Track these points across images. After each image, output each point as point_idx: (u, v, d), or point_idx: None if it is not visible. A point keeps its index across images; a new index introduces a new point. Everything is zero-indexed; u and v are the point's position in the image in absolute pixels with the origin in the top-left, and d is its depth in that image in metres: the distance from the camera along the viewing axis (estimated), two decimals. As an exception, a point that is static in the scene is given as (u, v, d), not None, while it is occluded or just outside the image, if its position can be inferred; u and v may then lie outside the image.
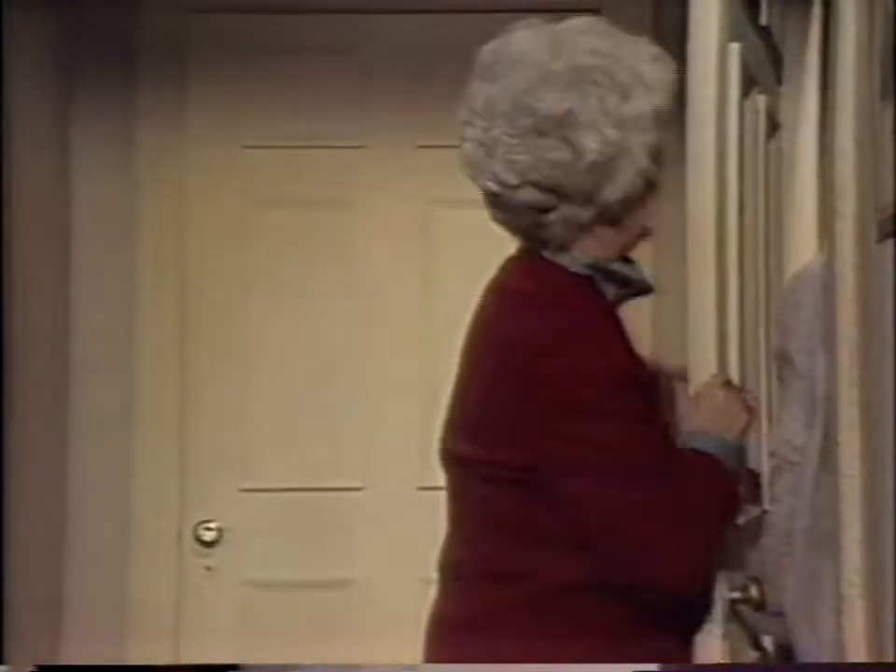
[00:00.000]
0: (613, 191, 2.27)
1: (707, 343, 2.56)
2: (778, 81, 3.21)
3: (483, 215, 2.38)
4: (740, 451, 2.43)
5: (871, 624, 2.39)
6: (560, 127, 2.23)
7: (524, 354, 2.23)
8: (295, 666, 2.84)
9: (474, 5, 3.87)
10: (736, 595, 2.53)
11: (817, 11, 3.42)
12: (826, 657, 2.77)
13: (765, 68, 3.03)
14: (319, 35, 3.96)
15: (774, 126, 3.14)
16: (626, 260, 2.39)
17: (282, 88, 3.86)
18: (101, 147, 4.00)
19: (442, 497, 2.40)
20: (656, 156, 2.28)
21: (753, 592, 2.58)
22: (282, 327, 3.97)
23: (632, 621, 2.30)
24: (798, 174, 3.47)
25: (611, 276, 2.34)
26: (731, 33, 2.65)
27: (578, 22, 2.33)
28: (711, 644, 2.47)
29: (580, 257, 2.31)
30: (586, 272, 2.32)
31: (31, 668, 3.03)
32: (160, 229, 4.03)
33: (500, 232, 2.44)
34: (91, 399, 4.03)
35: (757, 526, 2.95)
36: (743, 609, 2.57)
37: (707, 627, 2.45)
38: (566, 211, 2.28)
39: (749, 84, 2.81)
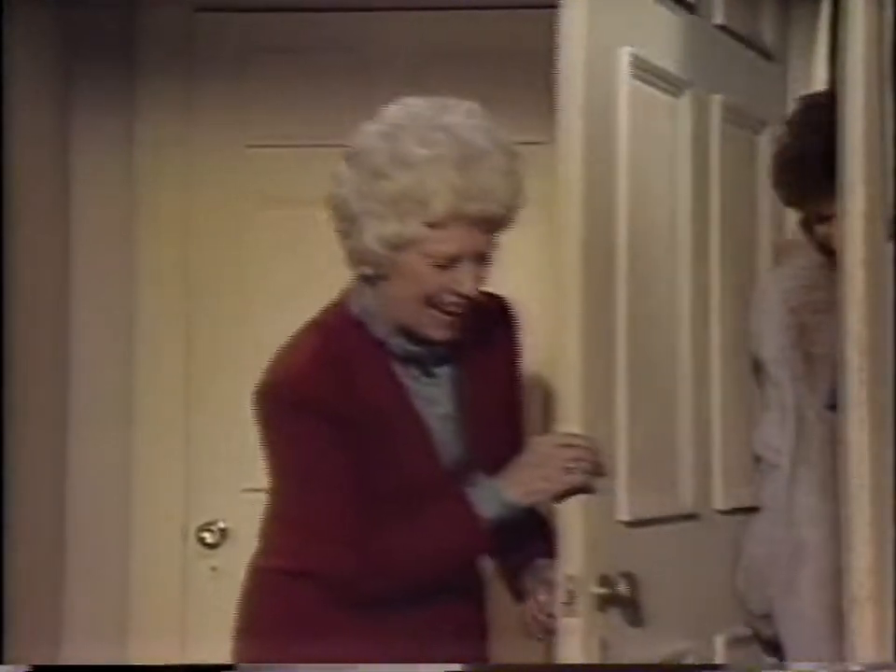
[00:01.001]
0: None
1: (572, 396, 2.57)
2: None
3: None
4: (512, 508, 2.53)
5: (879, 625, 2.41)
6: None
7: None
8: (295, 667, 2.80)
9: (474, 2, 3.86)
10: (603, 591, 2.56)
11: (825, 10, 3.47)
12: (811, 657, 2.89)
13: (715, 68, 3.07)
14: (322, 33, 3.93)
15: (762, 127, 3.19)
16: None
17: (285, 86, 3.82)
18: (101, 144, 3.98)
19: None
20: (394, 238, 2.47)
21: (622, 588, 2.59)
22: (285, 326, 3.95)
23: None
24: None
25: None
26: (624, 36, 2.70)
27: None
28: (572, 639, 2.52)
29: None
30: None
31: (26, 668, 2.95)
32: (161, 227, 4.00)
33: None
34: (92, 399, 4.01)
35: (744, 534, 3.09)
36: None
37: (569, 622, 2.50)
38: None
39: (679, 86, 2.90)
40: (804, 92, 3.11)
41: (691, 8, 2.95)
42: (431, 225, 2.44)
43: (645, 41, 2.77)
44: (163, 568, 3.98)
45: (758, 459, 3.11)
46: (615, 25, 2.67)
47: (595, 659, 2.53)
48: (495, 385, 2.65)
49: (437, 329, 2.54)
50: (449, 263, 2.47)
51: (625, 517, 2.67)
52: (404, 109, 2.52)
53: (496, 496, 2.53)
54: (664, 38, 2.86)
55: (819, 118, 2.89)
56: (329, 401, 2.51)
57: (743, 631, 3.08)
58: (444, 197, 2.42)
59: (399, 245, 2.46)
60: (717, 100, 3.05)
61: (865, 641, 2.42)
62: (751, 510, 3.09)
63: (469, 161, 2.43)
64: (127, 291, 4.00)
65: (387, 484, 2.55)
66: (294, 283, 3.89)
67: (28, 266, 3.72)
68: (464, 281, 2.48)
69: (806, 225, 3.05)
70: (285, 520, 2.62)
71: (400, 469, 2.56)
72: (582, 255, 2.54)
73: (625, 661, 2.64)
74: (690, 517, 2.92)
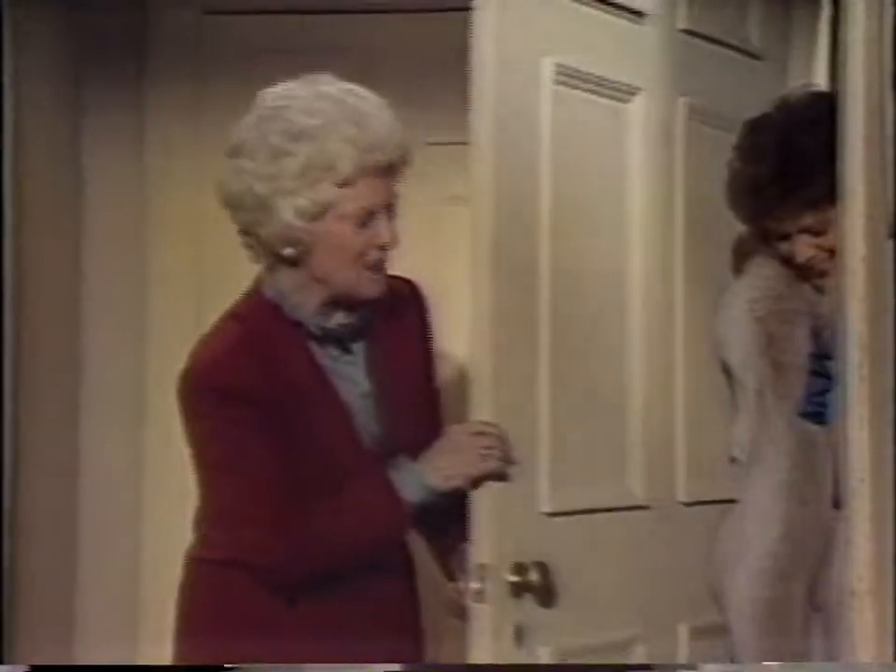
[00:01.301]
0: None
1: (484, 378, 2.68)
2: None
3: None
4: (433, 493, 2.62)
5: (879, 619, 2.43)
6: None
7: None
8: (298, 667, 2.82)
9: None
10: (514, 578, 2.65)
11: (825, 11, 3.50)
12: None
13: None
14: (326, 34, 3.95)
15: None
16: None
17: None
18: (112, 146, 4.01)
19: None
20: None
21: (533, 576, 2.67)
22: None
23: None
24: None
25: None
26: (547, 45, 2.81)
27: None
28: (483, 624, 2.62)
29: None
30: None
31: (25, 668, 2.97)
32: (172, 228, 4.03)
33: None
34: (103, 400, 4.03)
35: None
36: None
37: (480, 608, 2.60)
38: None
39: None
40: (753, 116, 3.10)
41: (641, 16, 3.03)
42: (341, 185, 2.57)
43: (573, 50, 2.87)
44: (176, 568, 4.00)
45: (732, 458, 3.17)
46: (535, 34, 2.79)
47: (507, 645, 2.63)
48: (409, 365, 2.74)
49: (370, 286, 2.64)
50: (366, 219, 2.60)
51: (547, 508, 2.75)
52: (277, 93, 2.65)
53: (417, 480, 2.62)
54: (603, 47, 2.95)
55: (766, 140, 2.96)
56: (249, 387, 2.58)
57: (715, 620, 3.12)
58: (348, 155, 2.56)
59: (316, 214, 2.57)
60: (683, 102, 3.13)
61: (865, 634, 2.43)
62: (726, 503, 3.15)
63: (359, 119, 2.58)
64: (138, 292, 4.03)
65: (310, 466, 2.61)
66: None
67: (39, 266, 3.75)
68: (382, 233, 2.62)
69: (766, 241, 3.08)
70: (212, 509, 2.67)
71: (323, 450, 2.62)
72: (494, 249, 2.69)
73: (549, 647, 2.72)
74: (641, 508, 2.98)
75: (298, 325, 2.67)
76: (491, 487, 2.63)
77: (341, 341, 2.69)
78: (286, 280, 2.67)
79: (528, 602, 2.66)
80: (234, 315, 2.72)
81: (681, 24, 3.15)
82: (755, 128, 3.01)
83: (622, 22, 2.99)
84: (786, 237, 2.98)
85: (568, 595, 2.74)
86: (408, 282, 2.80)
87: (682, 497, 3.09)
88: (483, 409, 2.64)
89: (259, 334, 2.65)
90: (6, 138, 3.57)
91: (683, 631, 3.09)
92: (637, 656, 2.93)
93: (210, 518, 2.69)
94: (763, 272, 3.09)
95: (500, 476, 2.62)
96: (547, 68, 2.81)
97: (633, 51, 3.02)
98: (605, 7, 2.94)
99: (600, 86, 2.93)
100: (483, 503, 2.63)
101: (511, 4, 2.73)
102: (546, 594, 2.69)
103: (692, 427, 3.11)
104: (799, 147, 2.92)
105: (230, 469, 2.60)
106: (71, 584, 4.03)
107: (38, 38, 3.76)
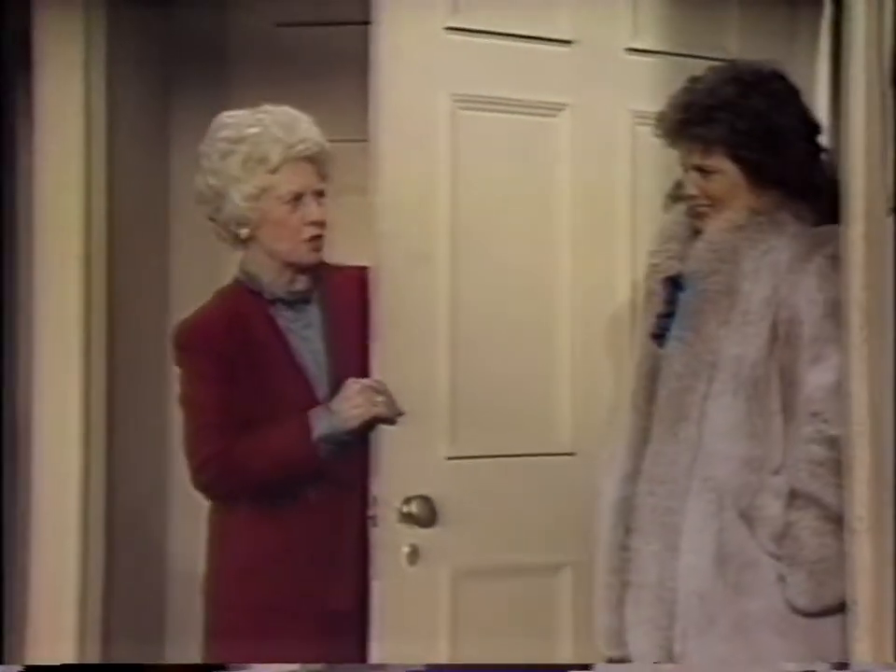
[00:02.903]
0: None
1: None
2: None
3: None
4: (339, 433, 3.17)
5: (877, 555, 2.57)
6: None
7: None
8: (299, 666, 3.09)
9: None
10: (404, 508, 3.22)
11: (827, 11, 3.66)
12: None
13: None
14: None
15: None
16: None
17: (351, 89, 3.76)
18: (197, 143, 3.98)
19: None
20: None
21: (413, 508, 3.21)
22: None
23: None
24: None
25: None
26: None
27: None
28: (380, 544, 3.22)
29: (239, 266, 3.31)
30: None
31: (19, 668, 3.13)
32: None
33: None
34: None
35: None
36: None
37: (376, 531, 3.21)
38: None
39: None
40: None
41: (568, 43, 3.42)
42: (273, 171, 3.18)
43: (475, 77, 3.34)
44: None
45: None
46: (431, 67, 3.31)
47: (402, 563, 3.24)
48: (357, 332, 3.21)
49: (307, 255, 3.23)
50: (296, 200, 3.20)
51: (445, 453, 3.30)
52: (228, 114, 3.27)
53: (325, 419, 3.16)
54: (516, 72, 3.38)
55: (686, 87, 3.00)
56: (217, 346, 3.17)
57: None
58: (276, 150, 3.17)
59: (257, 195, 3.18)
60: (627, 112, 3.45)
61: (863, 569, 2.57)
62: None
63: (287, 125, 3.20)
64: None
65: (264, 411, 3.16)
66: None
67: (131, 260, 3.94)
68: (312, 210, 3.21)
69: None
70: (183, 440, 3.24)
71: (279, 396, 3.18)
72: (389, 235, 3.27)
73: (446, 567, 3.29)
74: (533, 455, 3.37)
75: (259, 294, 3.24)
76: (395, 433, 3.21)
77: (294, 304, 3.25)
78: (246, 258, 3.27)
79: (417, 528, 3.21)
80: (215, 294, 3.31)
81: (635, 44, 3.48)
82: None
83: (546, 48, 3.40)
84: (688, 168, 3.01)
85: (459, 525, 3.26)
86: (363, 269, 3.28)
87: (567, 448, 3.41)
88: (386, 370, 3.24)
89: (230, 305, 3.24)
90: (97, 138, 3.80)
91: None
92: (522, 582, 3.32)
93: (185, 444, 3.24)
94: (671, 216, 3.12)
95: (387, 421, 3.20)
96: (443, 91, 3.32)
97: (558, 72, 3.42)
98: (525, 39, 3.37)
99: (511, 105, 3.35)
100: (384, 446, 3.19)
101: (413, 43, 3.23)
102: (429, 522, 3.26)
103: (576, 382, 3.41)
104: (708, 96, 2.95)
105: (191, 409, 3.21)
106: (162, 586, 4.25)
107: (132, 47, 3.96)
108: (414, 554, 3.26)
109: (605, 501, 2.98)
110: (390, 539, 3.23)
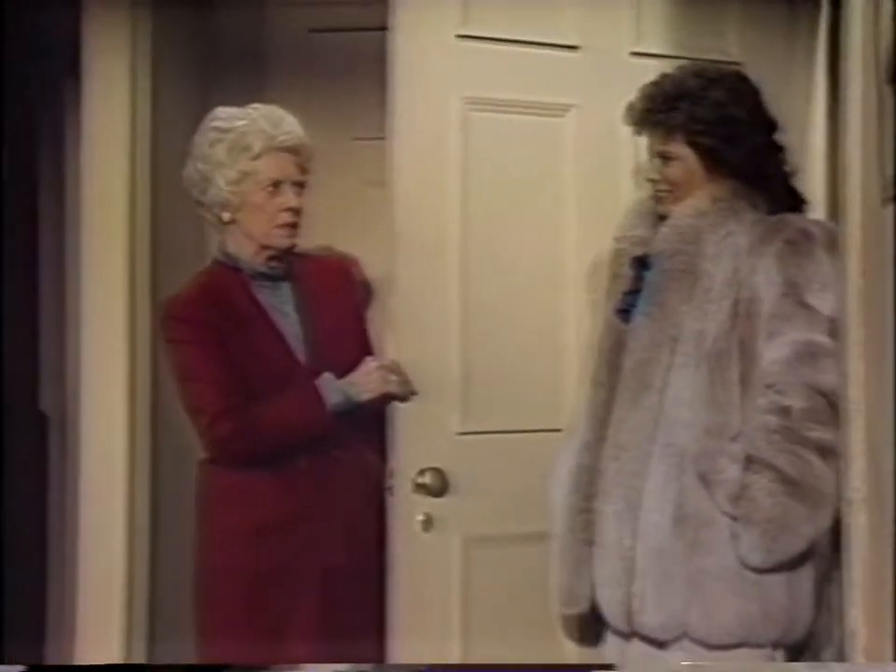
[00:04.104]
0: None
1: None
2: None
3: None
4: (352, 404, 3.19)
5: (875, 522, 2.50)
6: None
7: None
8: (295, 666, 2.99)
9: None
10: (417, 479, 3.23)
11: (825, 12, 3.60)
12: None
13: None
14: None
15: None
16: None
17: (374, 91, 3.71)
18: None
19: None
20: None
21: (427, 479, 3.24)
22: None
23: None
24: (808, 165, 3.60)
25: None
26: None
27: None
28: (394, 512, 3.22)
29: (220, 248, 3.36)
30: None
31: (21, 668, 2.98)
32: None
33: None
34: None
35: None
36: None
37: (391, 500, 3.22)
38: None
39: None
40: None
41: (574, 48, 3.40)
42: (255, 158, 3.23)
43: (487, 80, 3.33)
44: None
45: None
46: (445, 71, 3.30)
47: (417, 530, 3.24)
48: (333, 309, 3.27)
49: (281, 239, 3.26)
50: (275, 187, 3.24)
51: (457, 429, 3.31)
52: (221, 110, 3.29)
53: (337, 389, 3.20)
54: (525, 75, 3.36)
55: (692, 72, 2.96)
56: (202, 316, 3.20)
57: None
58: (259, 140, 3.23)
59: (239, 180, 3.23)
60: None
61: (860, 537, 2.49)
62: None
63: (272, 119, 3.26)
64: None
65: (252, 374, 3.19)
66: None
67: (173, 250, 3.84)
68: (289, 198, 3.25)
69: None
70: (185, 411, 3.25)
71: (261, 362, 3.21)
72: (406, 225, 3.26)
73: (457, 535, 3.28)
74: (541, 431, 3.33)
75: (239, 271, 3.29)
76: (411, 411, 3.23)
77: (271, 279, 3.29)
78: (226, 240, 3.31)
79: (430, 498, 3.23)
80: (197, 273, 3.36)
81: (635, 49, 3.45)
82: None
83: (553, 53, 3.40)
84: (654, 154, 3.00)
85: (469, 495, 3.27)
86: (341, 259, 3.39)
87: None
88: (401, 352, 3.25)
89: (214, 281, 3.29)
90: (141, 136, 3.75)
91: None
92: (527, 549, 3.22)
93: (189, 414, 3.26)
94: (634, 206, 3.11)
95: (400, 398, 3.24)
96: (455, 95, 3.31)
97: (564, 75, 3.40)
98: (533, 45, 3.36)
99: (520, 106, 3.33)
100: (401, 422, 3.25)
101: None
102: (441, 492, 3.26)
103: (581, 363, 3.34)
104: (672, 87, 2.94)
105: (190, 374, 3.23)
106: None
107: (175, 50, 3.91)
108: (428, 522, 3.28)
109: (564, 468, 2.98)
110: (405, 508, 3.27)
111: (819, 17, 3.67)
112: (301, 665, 3.01)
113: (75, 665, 3.65)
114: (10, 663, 3.19)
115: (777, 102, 3.15)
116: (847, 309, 2.59)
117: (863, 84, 2.53)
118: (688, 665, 2.79)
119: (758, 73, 3.16)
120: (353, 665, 2.98)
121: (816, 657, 2.90)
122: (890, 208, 2.46)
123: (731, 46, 3.57)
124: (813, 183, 3.62)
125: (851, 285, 2.57)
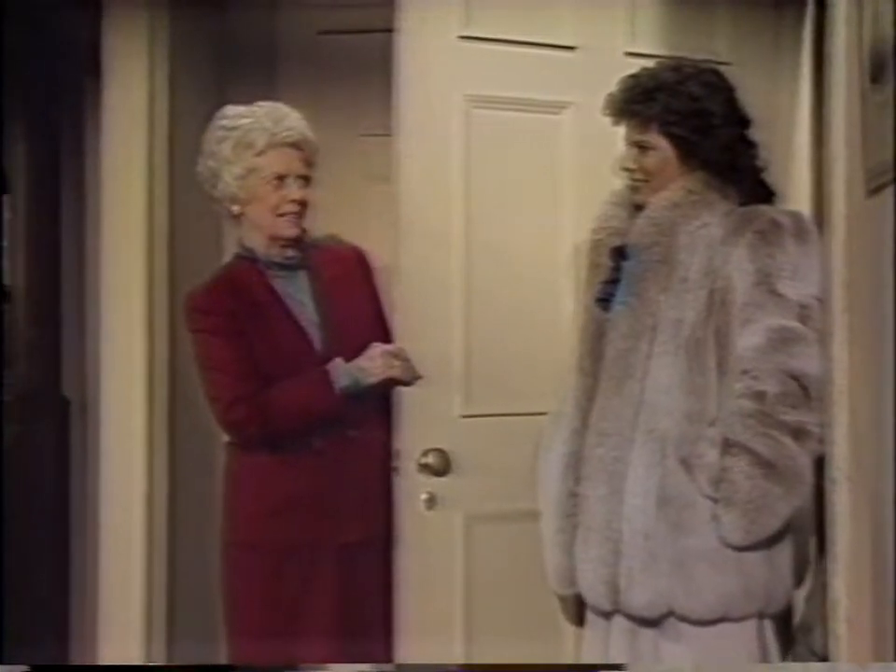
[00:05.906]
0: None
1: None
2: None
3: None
4: (360, 387, 3.17)
5: (857, 502, 2.49)
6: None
7: None
8: (294, 666, 2.98)
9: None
10: (421, 460, 3.24)
11: (810, 11, 3.59)
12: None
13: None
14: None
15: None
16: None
17: (380, 89, 3.68)
18: None
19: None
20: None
21: (430, 459, 3.26)
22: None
23: None
24: (794, 160, 3.58)
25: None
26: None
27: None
28: (400, 490, 3.22)
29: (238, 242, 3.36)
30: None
31: (25, 669, 2.92)
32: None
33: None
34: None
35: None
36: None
37: (398, 480, 3.22)
38: None
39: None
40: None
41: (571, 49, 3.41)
42: (258, 154, 3.22)
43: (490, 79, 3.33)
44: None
45: None
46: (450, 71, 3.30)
47: (421, 508, 3.25)
48: (349, 299, 3.26)
49: (286, 230, 3.24)
50: (279, 181, 3.22)
51: (460, 412, 3.33)
52: (229, 108, 3.27)
53: (346, 373, 3.19)
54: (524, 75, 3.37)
55: (670, 66, 2.95)
56: (223, 306, 3.20)
57: None
58: (263, 137, 3.22)
59: (245, 175, 3.23)
60: None
61: (843, 514, 2.49)
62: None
63: (275, 116, 3.25)
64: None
65: (270, 361, 3.19)
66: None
67: (188, 245, 3.86)
68: (293, 191, 3.24)
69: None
70: (207, 397, 3.25)
71: (279, 349, 3.21)
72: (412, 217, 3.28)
73: (460, 512, 3.30)
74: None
75: (257, 262, 3.28)
76: (416, 394, 3.22)
77: (287, 268, 3.28)
78: (241, 233, 3.31)
79: (433, 478, 3.24)
80: (220, 267, 3.38)
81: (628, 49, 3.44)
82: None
83: (551, 53, 3.40)
84: (629, 144, 2.97)
85: (471, 475, 3.28)
86: (356, 248, 3.39)
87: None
88: (407, 338, 3.25)
89: (233, 274, 3.29)
90: (159, 134, 3.75)
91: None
92: (526, 526, 3.16)
93: (209, 401, 3.26)
94: (611, 198, 3.05)
95: (404, 382, 3.24)
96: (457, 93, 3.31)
97: (562, 74, 3.41)
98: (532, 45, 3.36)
99: (520, 104, 3.34)
100: (406, 405, 3.25)
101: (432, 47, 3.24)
102: (444, 472, 3.28)
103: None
104: (650, 79, 2.92)
105: (211, 363, 3.23)
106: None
107: (190, 48, 3.90)
108: (431, 501, 3.29)
109: (554, 455, 2.98)
110: (410, 487, 3.29)
111: (805, 19, 3.67)
112: (325, 665, 2.99)
113: (76, 666, 3.65)
114: (12, 662, 3.18)
115: (764, 99, 3.16)
116: (831, 296, 2.58)
117: (847, 83, 2.52)
118: (692, 665, 2.79)
119: (746, 72, 3.21)
120: (375, 665, 2.99)
121: (806, 627, 2.94)
122: (873, 200, 2.42)
123: (720, 46, 3.58)
124: (799, 177, 3.66)
125: (836, 273, 2.57)
